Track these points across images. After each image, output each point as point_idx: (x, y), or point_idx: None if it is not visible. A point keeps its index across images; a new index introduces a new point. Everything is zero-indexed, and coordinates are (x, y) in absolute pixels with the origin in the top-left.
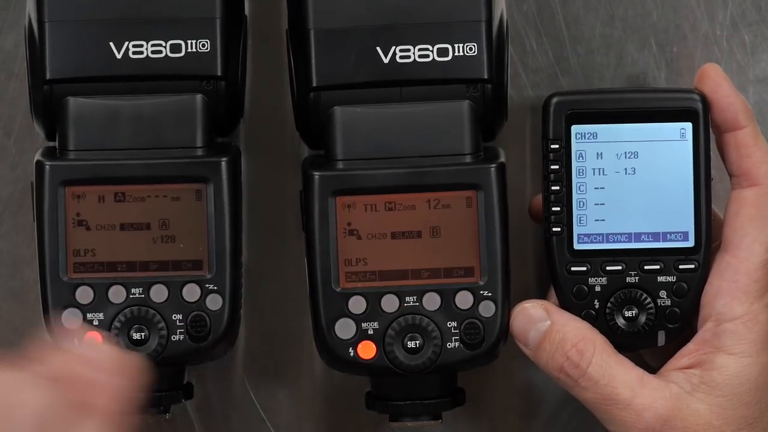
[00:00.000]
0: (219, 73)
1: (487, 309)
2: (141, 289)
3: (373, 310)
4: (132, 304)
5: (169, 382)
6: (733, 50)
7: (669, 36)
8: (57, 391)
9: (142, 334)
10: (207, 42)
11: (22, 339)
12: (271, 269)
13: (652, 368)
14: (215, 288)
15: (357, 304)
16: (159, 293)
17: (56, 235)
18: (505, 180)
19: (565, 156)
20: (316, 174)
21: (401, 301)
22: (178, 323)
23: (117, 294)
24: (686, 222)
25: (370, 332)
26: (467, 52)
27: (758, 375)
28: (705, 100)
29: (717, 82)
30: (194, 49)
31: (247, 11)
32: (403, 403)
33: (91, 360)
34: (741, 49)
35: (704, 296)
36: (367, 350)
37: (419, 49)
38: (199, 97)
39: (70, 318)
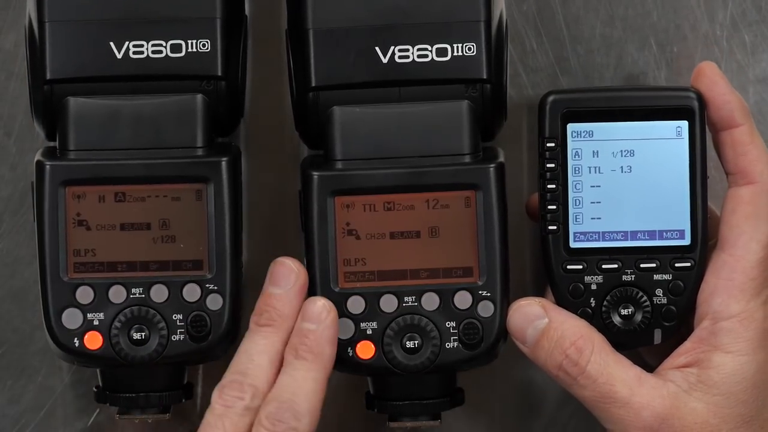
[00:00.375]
0: (219, 73)
1: (485, 309)
2: (141, 289)
3: (372, 310)
4: (132, 304)
5: (169, 382)
6: (733, 50)
7: (669, 36)
8: (274, 334)
9: (143, 334)
10: (207, 42)
11: (22, 339)
12: None
13: (651, 366)
14: (215, 288)
15: (356, 304)
16: (159, 293)
17: (56, 235)
18: (504, 180)
19: (561, 154)
20: (315, 174)
21: (400, 301)
22: (178, 323)
23: (117, 294)
24: (682, 220)
25: (369, 332)
26: (466, 52)
27: (755, 373)
28: (701, 98)
29: (713, 80)
30: (194, 49)
31: (247, 11)
32: (402, 403)
33: (306, 311)
34: (741, 49)
35: (701, 294)
36: (365, 350)
37: (418, 49)
38: (199, 97)
39: (70, 318)
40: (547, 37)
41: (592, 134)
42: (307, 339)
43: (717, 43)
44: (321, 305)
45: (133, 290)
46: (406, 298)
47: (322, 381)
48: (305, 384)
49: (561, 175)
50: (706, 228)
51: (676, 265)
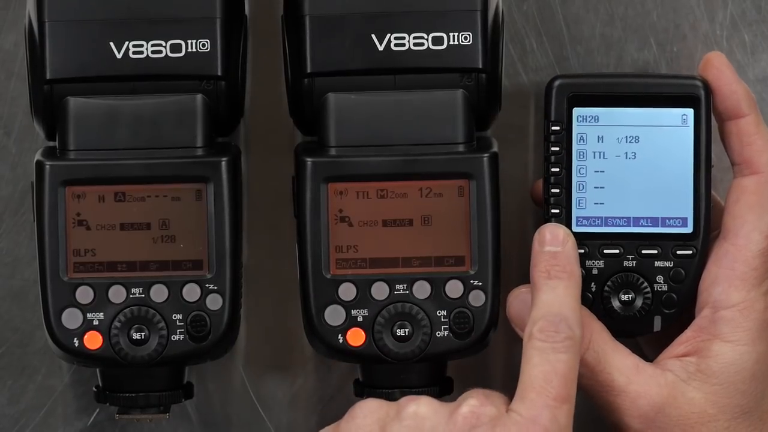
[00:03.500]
0: (219, 73)
1: (477, 298)
2: (141, 289)
3: (363, 298)
4: (132, 304)
5: (169, 382)
6: (733, 50)
7: (669, 36)
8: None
9: (142, 334)
10: (207, 42)
11: (22, 339)
12: (271, 269)
13: (650, 358)
14: (215, 288)
15: (347, 291)
16: (159, 293)
17: (56, 235)
18: (497, 170)
19: (566, 138)
20: (309, 160)
21: (391, 288)
22: (178, 323)
23: (117, 294)
24: (685, 208)
25: (360, 319)
26: (462, 41)
27: (754, 363)
28: (707, 87)
29: (720, 70)
30: (194, 49)
31: (247, 11)
32: (391, 391)
33: (544, 236)
34: (741, 49)
35: (702, 283)
36: (356, 337)
37: (414, 37)
38: (199, 97)
39: (70, 318)
40: (547, 37)
41: (598, 119)
42: (556, 260)
43: (717, 43)
44: (559, 230)
45: (133, 290)
46: (397, 286)
47: (579, 299)
48: (567, 299)
49: (565, 159)
50: (708, 216)
51: (678, 252)
